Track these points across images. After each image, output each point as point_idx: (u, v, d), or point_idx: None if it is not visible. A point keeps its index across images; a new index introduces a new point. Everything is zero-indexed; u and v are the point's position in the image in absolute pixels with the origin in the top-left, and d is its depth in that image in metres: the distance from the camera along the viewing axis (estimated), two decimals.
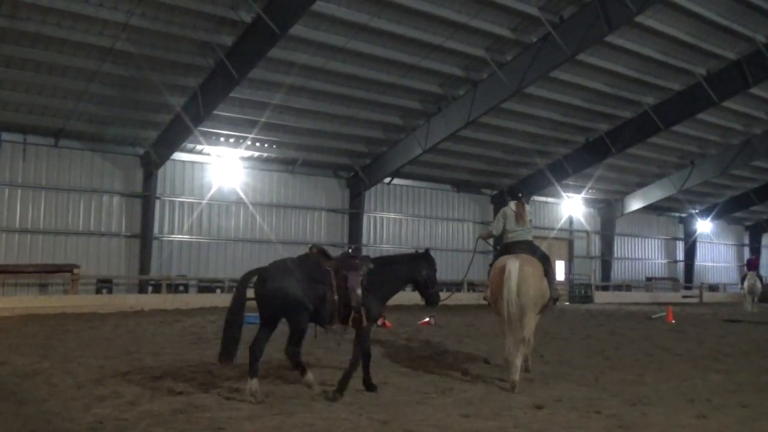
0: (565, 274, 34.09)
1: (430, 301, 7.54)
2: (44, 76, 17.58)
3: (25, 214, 20.29)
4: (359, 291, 6.85)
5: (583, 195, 32.42)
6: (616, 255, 36.22)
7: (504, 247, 8.65)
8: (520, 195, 8.91)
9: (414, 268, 7.42)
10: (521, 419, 5.87)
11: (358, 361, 6.94)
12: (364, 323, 6.91)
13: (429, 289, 7.43)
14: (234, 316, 7.00)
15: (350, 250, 8.05)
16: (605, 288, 33.73)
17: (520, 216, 8.68)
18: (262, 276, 7.08)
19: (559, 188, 30.06)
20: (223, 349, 6.83)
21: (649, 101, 23.86)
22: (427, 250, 7.65)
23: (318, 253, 7.21)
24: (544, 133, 25.75)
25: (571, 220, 34.26)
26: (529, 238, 8.75)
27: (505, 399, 6.73)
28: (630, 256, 37.60)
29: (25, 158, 20.33)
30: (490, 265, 8.50)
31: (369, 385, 7.08)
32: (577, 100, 23.42)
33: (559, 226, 33.53)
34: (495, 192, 31.10)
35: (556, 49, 18.11)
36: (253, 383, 6.49)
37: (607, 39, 18.82)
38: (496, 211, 30.72)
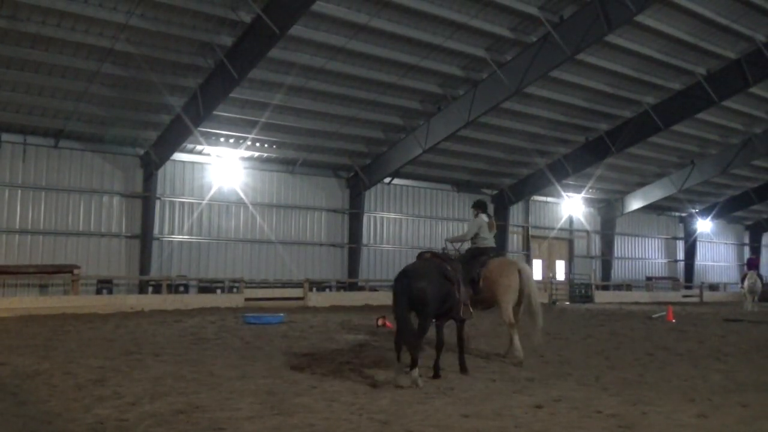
0: (566, 273, 34.10)
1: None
2: (44, 76, 17.58)
3: (25, 214, 20.28)
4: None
5: (583, 195, 32.43)
6: (616, 254, 36.22)
7: (478, 250, 10.07)
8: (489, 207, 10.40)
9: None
10: (522, 419, 5.87)
11: (443, 346, 8.12)
12: (469, 316, 8.56)
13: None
14: (402, 313, 7.56)
15: (443, 251, 9.69)
16: (605, 287, 33.71)
17: (491, 225, 10.28)
18: (411, 276, 7.70)
19: (559, 188, 30.07)
20: (409, 343, 7.47)
21: (649, 101, 23.87)
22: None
23: (436, 256, 8.40)
24: (544, 133, 25.76)
25: (571, 220, 34.26)
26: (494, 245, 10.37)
27: (505, 399, 6.73)
28: (630, 256, 37.60)
29: (25, 159, 20.33)
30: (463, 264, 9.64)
31: (437, 371, 7.98)
32: (577, 100, 23.43)
33: (559, 225, 33.56)
34: (495, 192, 31.11)
35: (556, 48, 18.12)
36: (411, 373, 7.36)
37: (607, 39, 18.85)
38: (496, 210, 30.84)
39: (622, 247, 36.96)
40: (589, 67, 21.10)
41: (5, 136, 19.95)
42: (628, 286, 35.07)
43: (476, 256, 9.96)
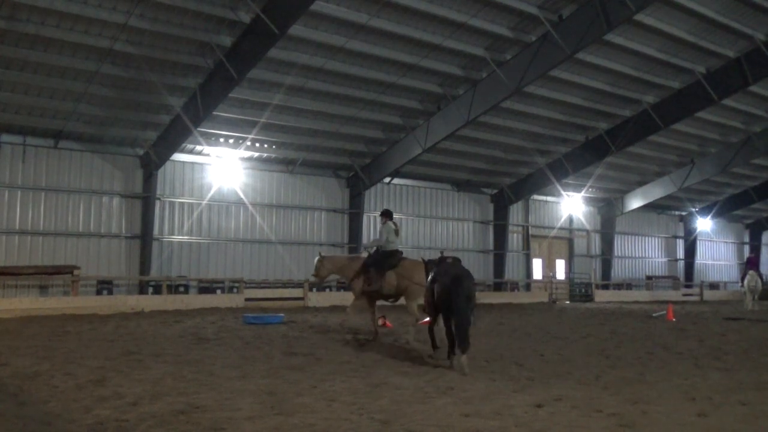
0: (566, 273, 34.12)
1: None
2: (43, 77, 17.57)
3: (25, 215, 20.27)
4: None
5: (583, 194, 32.44)
6: (616, 253, 36.23)
7: (386, 253, 11.84)
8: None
9: None
10: (522, 418, 5.87)
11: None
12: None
13: None
14: (466, 310, 8.59)
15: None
16: (605, 287, 33.74)
17: (398, 231, 12.09)
18: (467, 278, 8.82)
19: (559, 187, 30.09)
20: (467, 335, 8.47)
21: (648, 100, 23.88)
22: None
23: (457, 260, 9.39)
24: (543, 132, 25.76)
25: (571, 219, 34.28)
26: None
27: (505, 398, 6.73)
28: (630, 255, 37.61)
29: (25, 160, 20.32)
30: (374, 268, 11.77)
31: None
32: (576, 99, 23.43)
33: (559, 225, 33.58)
34: (495, 191, 31.11)
35: (555, 47, 18.13)
36: (462, 358, 8.32)
37: (607, 37, 18.84)
38: (496, 210, 30.90)
39: (622, 246, 36.96)
40: (588, 66, 21.11)
41: (5, 137, 19.94)
42: (628, 285, 35.11)
43: (386, 257, 11.81)
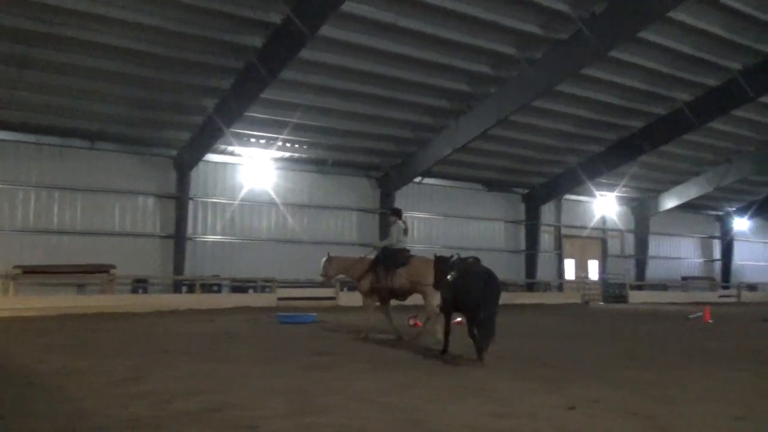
0: (599, 273, 33.73)
1: None
2: (81, 80, 17.93)
3: (62, 215, 20.72)
4: None
5: (616, 193, 32.07)
6: (650, 254, 35.70)
7: (394, 251, 11.96)
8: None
9: None
10: (556, 420, 5.80)
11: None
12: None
13: None
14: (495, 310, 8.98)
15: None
16: (640, 287, 33.29)
17: (407, 230, 12.21)
18: (495, 278, 9.10)
19: (591, 186, 29.77)
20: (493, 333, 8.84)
21: (683, 97, 23.47)
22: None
23: (477, 259, 9.62)
24: (575, 131, 25.49)
25: (604, 219, 33.87)
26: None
27: (538, 399, 6.67)
28: (665, 255, 37.04)
29: (63, 161, 20.75)
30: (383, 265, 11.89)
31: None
32: (609, 97, 23.13)
33: (591, 224, 33.20)
34: (526, 191, 30.88)
35: (587, 45, 17.90)
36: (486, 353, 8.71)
37: (640, 35, 18.55)
38: (528, 210, 30.68)
39: (656, 246, 36.41)
40: (621, 63, 20.80)
41: (44, 139, 20.42)
42: (663, 286, 34.57)
43: (394, 255, 11.92)
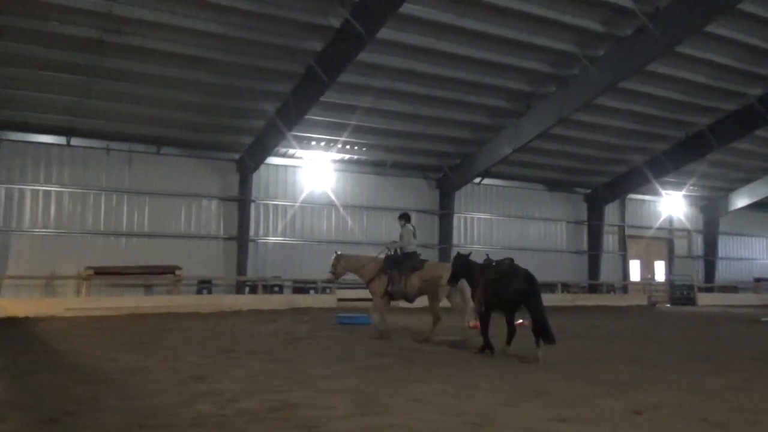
0: (665, 274, 32.78)
1: None
2: (146, 87, 18.47)
3: (131, 218, 21.43)
4: None
5: (683, 192, 31.07)
6: (720, 255, 34.46)
7: (405, 255, 12.54)
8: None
9: None
10: (620, 425, 5.67)
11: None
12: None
13: None
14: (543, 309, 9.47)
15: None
16: (709, 289, 32.18)
17: (415, 233, 12.90)
18: (532, 277, 9.56)
19: (657, 185, 28.93)
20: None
21: (754, 92, 22.56)
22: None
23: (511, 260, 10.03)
24: (640, 129, 24.82)
25: (670, 219, 32.87)
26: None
27: (602, 403, 6.52)
28: (736, 256, 35.66)
29: (131, 165, 21.46)
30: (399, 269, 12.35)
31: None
32: (675, 94, 22.41)
33: (657, 224, 32.28)
34: (589, 190, 30.27)
35: (651, 41, 17.39)
36: (540, 351, 9.26)
37: (707, 29, 17.91)
38: (590, 210, 30.11)
39: (726, 246, 35.10)
40: (687, 58, 20.10)
41: (113, 145, 21.14)
42: (733, 288, 33.32)
43: (406, 259, 12.45)
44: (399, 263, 12.40)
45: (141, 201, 21.63)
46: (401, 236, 12.81)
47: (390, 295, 12.52)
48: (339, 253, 13.35)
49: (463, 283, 11.11)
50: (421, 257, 12.75)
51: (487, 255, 10.79)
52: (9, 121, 19.42)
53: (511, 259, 10.03)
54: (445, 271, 11.49)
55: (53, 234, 20.41)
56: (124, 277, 20.63)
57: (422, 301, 12.60)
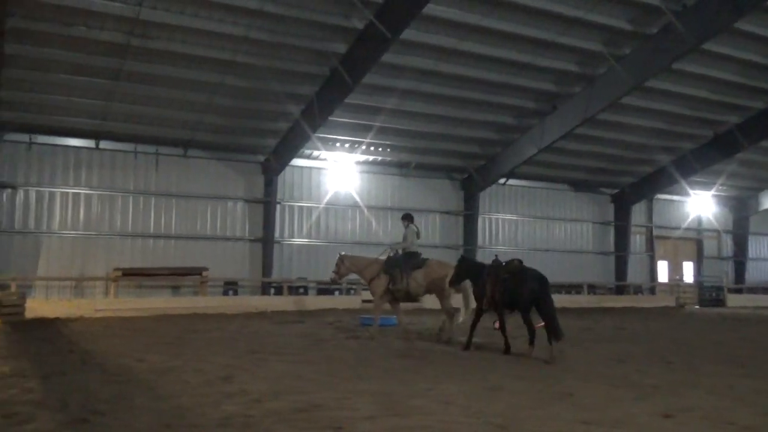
0: (694, 275, 32.32)
1: None
2: (173, 90, 18.70)
3: (158, 220, 21.70)
4: None
5: (712, 192, 30.62)
6: (750, 255, 33.90)
7: (408, 254, 12.69)
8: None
9: None
10: (647, 428, 5.61)
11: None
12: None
13: None
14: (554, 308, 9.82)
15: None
16: (738, 291, 31.67)
17: (419, 234, 13.16)
18: (544, 278, 9.84)
19: (685, 185, 28.56)
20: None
21: None
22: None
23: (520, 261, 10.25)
24: (667, 128, 24.54)
25: (699, 219, 32.41)
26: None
27: (628, 406, 6.46)
28: (767, 257, 35.06)
29: (158, 168, 21.71)
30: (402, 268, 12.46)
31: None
32: (703, 92, 22.12)
33: (685, 225, 31.84)
34: (615, 191, 29.98)
35: (678, 39, 17.16)
36: (554, 347, 9.47)
37: (735, 26, 17.63)
38: (617, 210, 29.83)
39: (757, 247, 34.55)
40: (715, 56, 19.83)
41: (140, 147, 21.43)
42: (764, 290, 32.74)
43: (409, 258, 12.61)
44: (400, 263, 12.55)
45: (168, 203, 21.88)
46: (405, 237, 12.98)
47: (393, 295, 12.66)
48: (342, 254, 13.61)
49: (467, 284, 11.34)
50: (422, 256, 12.80)
51: (496, 256, 11.08)
52: (39, 124, 19.79)
53: (520, 260, 10.20)
54: (450, 269, 11.65)
55: (82, 236, 20.75)
56: (151, 279, 20.89)
57: (434, 303, 12.74)
